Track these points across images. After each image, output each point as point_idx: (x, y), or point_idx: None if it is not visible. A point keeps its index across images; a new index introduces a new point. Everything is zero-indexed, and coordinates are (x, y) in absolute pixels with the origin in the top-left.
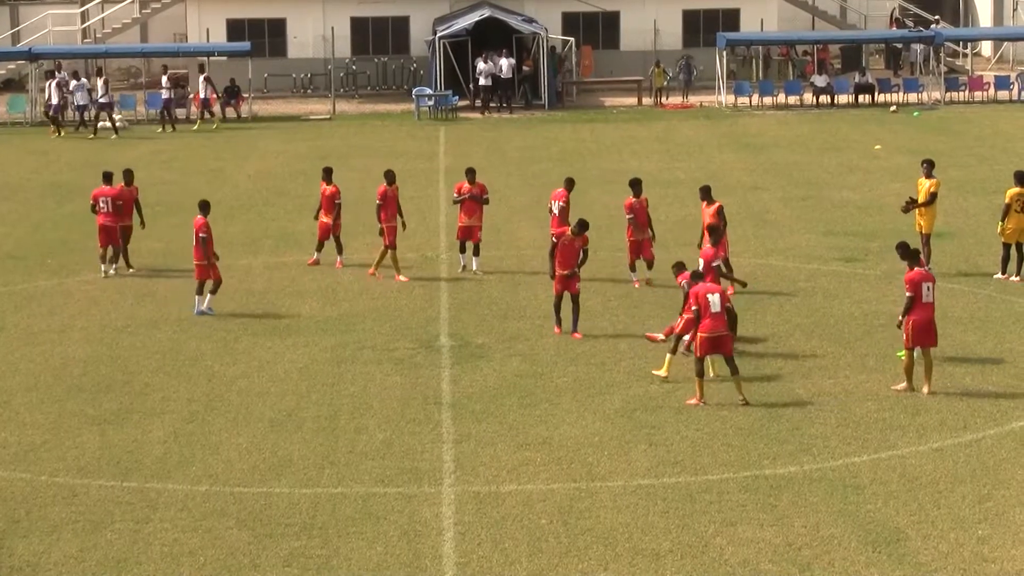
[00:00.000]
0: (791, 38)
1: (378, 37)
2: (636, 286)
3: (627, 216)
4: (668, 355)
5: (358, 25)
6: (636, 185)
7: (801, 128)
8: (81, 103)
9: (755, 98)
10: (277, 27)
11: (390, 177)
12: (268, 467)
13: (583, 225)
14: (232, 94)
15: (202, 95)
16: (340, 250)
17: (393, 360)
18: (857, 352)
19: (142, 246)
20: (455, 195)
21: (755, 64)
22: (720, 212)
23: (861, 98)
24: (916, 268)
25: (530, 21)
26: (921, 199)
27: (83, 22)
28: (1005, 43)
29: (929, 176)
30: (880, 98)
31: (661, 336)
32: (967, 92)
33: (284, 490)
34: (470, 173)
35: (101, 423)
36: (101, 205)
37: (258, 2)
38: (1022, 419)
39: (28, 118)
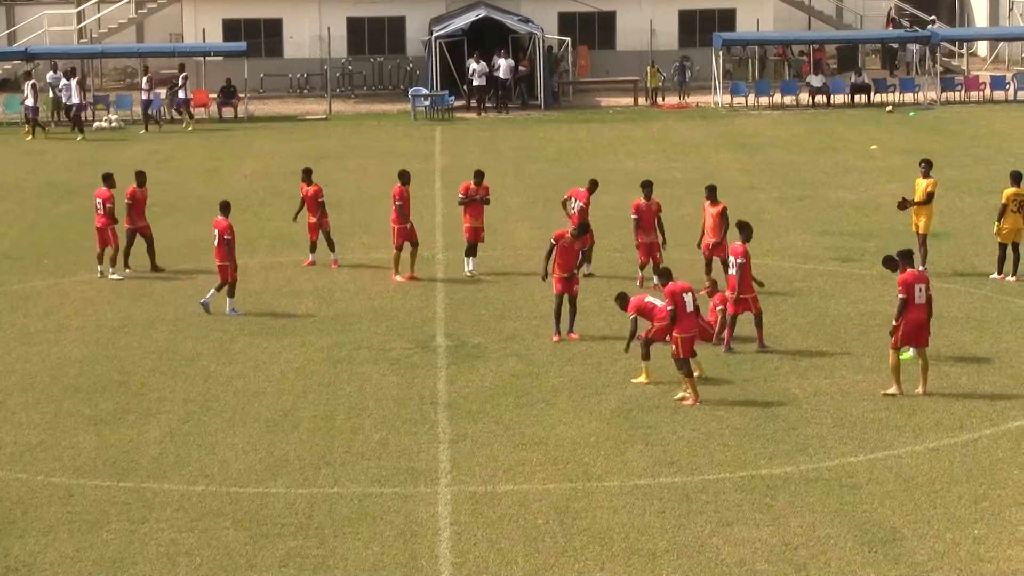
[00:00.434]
0: (787, 38)
1: (374, 37)
2: (639, 284)
3: (632, 216)
4: (643, 362)
5: (354, 25)
6: (646, 187)
7: (797, 128)
8: (76, 102)
9: (751, 98)
10: (273, 27)
11: (405, 177)
12: (264, 467)
13: (583, 228)
14: (228, 94)
15: (181, 95)
16: (332, 247)
17: (389, 360)
18: (853, 352)
19: (140, 246)
20: (461, 196)
21: (751, 64)
22: (724, 213)
23: (857, 98)
24: (908, 269)
25: (526, 21)
26: (918, 198)
27: (79, 22)
28: (1001, 43)
29: (927, 176)
30: (876, 98)
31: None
32: (963, 92)
33: (280, 490)
34: (478, 175)
35: (97, 423)
36: (97, 206)
37: (254, 2)
38: (1018, 419)
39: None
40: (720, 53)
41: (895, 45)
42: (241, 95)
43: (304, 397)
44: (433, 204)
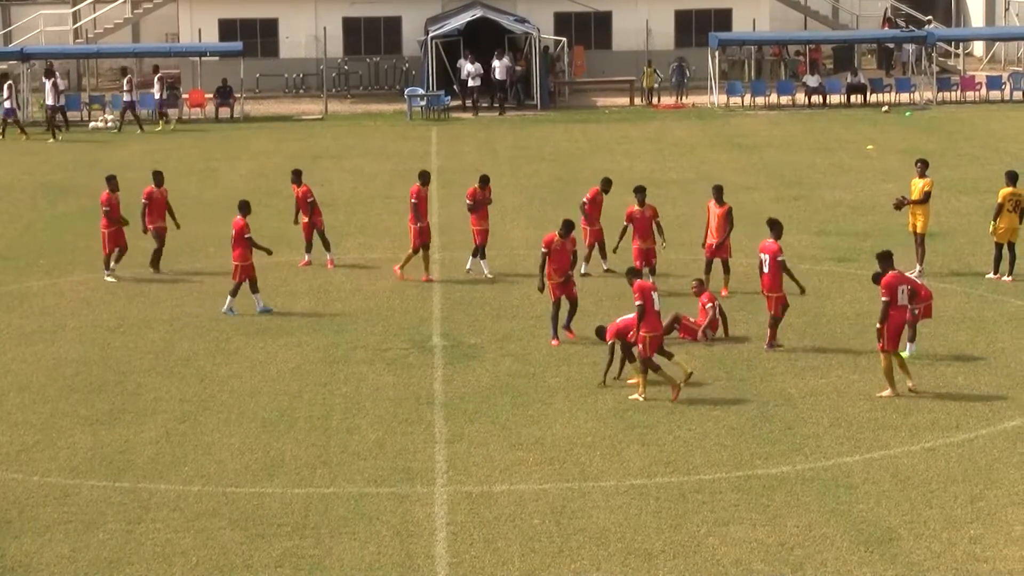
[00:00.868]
0: (783, 38)
1: (370, 37)
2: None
3: (625, 223)
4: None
5: (350, 25)
6: (639, 192)
7: (793, 128)
8: (50, 103)
9: (747, 98)
10: (269, 27)
11: (425, 178)
12: (260, 467)
13: (569, 226)
14: (224, 94)
15: (156, 96)
16: (327, 246)
17: (386, 360)
18: (849, 352)
19: (135, 246)
20: (469, 201)
21: (747, 64)
22: (729, 214)
23: (853, 98)
24: (890, 271)
25: (522, 21)
26: (914, 197)
27: (75, 22)
28: (997, 43)
29: (923, 176)
30: (872, 98)
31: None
32: (959, 92)
33: (277, 490)
34: (484, 180)
35: (93, 423)
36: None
37: (250, 2)
38: (1014, 419)
39: (20, 118)
40: (716, 53)
41: (891, 45)
42: (237, 95)
43: (300, 397)
44: (430, 205)
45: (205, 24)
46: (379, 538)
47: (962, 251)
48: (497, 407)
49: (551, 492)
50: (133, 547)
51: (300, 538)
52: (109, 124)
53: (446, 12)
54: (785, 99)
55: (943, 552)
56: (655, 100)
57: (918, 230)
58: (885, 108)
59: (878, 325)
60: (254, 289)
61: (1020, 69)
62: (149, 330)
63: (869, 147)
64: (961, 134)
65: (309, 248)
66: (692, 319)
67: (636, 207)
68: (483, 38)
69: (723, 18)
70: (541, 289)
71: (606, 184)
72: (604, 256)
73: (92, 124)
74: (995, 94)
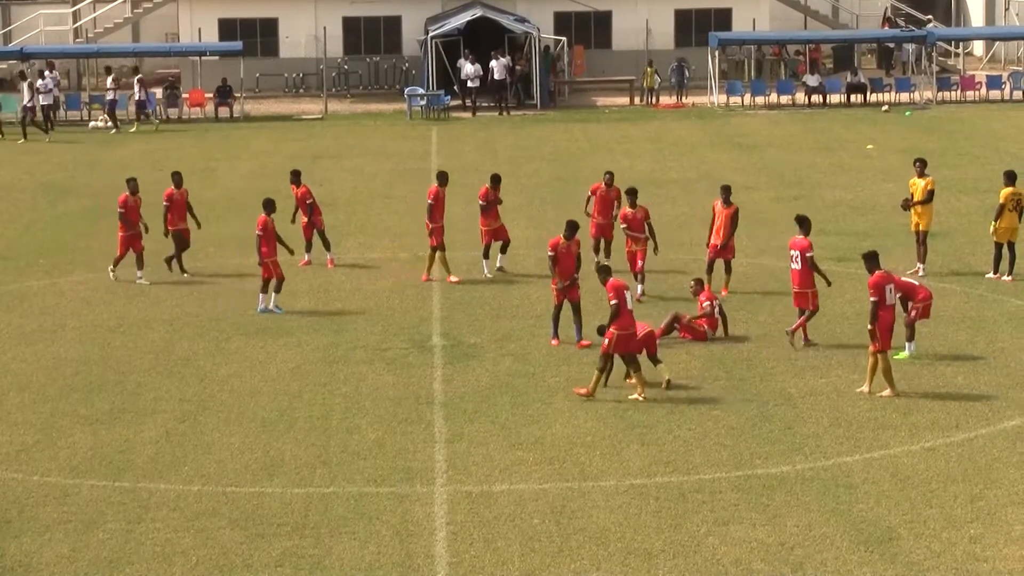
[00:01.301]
0: (783, 38)
1: (370, 37)
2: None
3: (622, 226)
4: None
5: (350, 25)
6: (631, 195)
7: (793, 128)
8: (44, 102)
9: (747, 98)
10: (269, 27)
11: (443, 178)
12: (260, 467)
13: (573, 227)
14: (224, 94)
15: (137, 96)
16: (327, 246)
17: (385, 360)
18: (849, 351)
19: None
20: (481, 202)
21: (747, 64)
22: (735, 215)
23: (853, 98)
24: (877, 271)
25: (522, 20)
26: (918, 197)
27: (75, 21)
28: (997, 43)
29: (922, 175)
30: (872, 98)
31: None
32: (959, 92)
33: (276, 490)
34: (495, 179)
35: (93, 423)
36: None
37: (250, 2)
38: (1014, 418)
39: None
40: (716, 53)
41: (891, 45)
42: (237, 95)
43: (300, 397)
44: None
45: (205, 24)
46: (379, 538)
47: (962, 251)
48: (497, 407)
49: (551, 492)
50: (133, 547)
51: (300, 538)
52: (108, 124)
53: (446, 12)
54: (785, 99)
55: (943, 552)
56: (656, 100)
57: (921, 228)
58: (885, 108)
59: (869, 326)
60: (264, 289)
61: (1020, 69)
62: (149, 330)
63: (869, 147)
64: (961, 134)
65: (309, 248)
66: (694, 319)
67: (628, 208)
68: (483, 38)
69: (723, 18)
70: (556, 283)
71: (609, 178)
72: (608, 254)
73: (92, 124)
74: (995, 94)
